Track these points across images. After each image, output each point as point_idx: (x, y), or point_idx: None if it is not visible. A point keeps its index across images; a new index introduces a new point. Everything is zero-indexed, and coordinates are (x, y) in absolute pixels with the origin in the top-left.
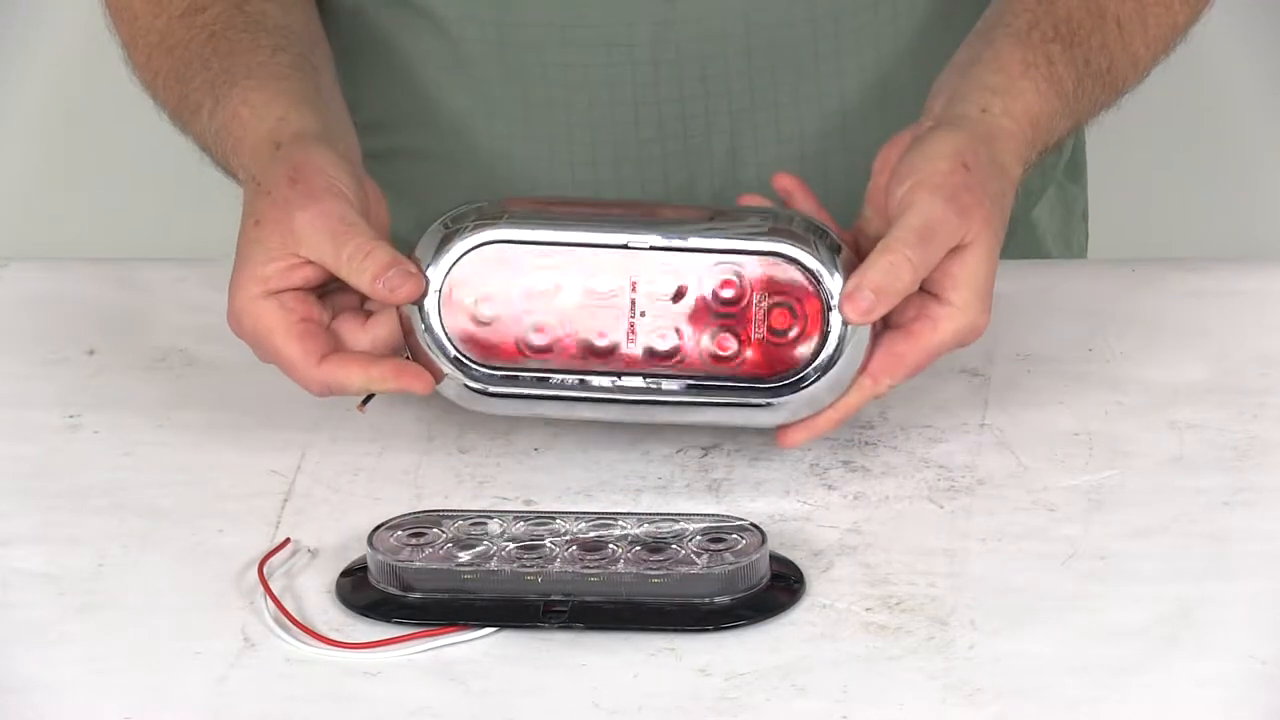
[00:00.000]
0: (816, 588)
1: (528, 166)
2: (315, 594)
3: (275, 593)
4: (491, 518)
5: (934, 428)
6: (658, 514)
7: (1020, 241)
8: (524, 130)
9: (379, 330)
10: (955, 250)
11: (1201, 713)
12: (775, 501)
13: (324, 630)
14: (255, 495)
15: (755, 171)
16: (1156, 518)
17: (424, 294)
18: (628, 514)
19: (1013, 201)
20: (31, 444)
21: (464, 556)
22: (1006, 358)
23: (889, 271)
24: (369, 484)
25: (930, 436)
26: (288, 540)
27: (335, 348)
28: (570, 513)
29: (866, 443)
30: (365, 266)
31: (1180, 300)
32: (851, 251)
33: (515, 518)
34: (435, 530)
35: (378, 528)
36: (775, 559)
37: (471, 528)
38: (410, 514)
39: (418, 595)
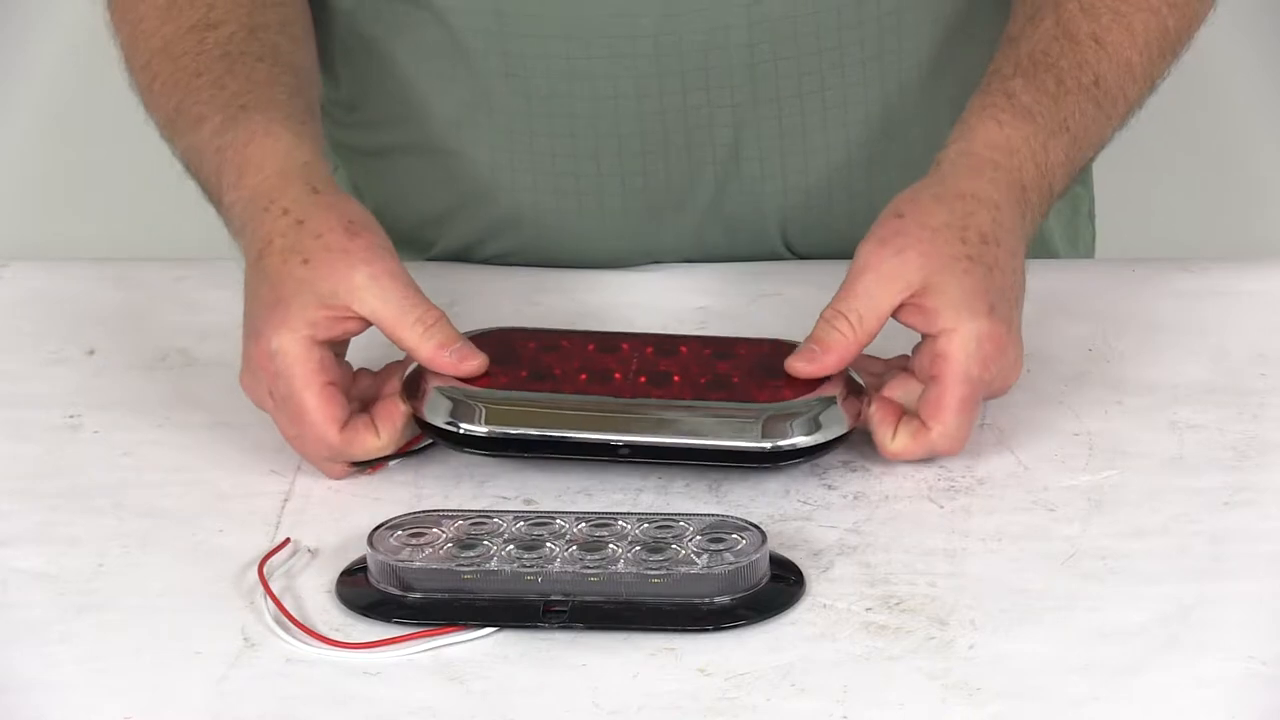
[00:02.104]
0: (816, 588)
1: (529, 162)
2: (315, 594)
3: (275, 593)
4: (491, 517)
5: None
6: (658, 514)
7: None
8: (526, 125)
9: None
10: (920, 290)
11: (1201, 713)
12: (775, 501)
13: (324, 630)
14: (255, 495)
15: (758, 167)
16: (1156, 518)
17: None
18: (628, 514)
19: (1002, 214)
20: (31, 444)
21: (464, 556)
22: None
23: (825, 323)
24: (369, 484)
25: None
26: (288, 540)
27: (351, 414)
28: (570, 513)
29: (867, 443)
30: (430, 335)
31: (1180, 300)
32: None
33: (515, 518)
34: (435, 530)
35: (378, 528)
36: (775, 559)
37: (471, 528)
38: (410, 514)
39: (418, 595)
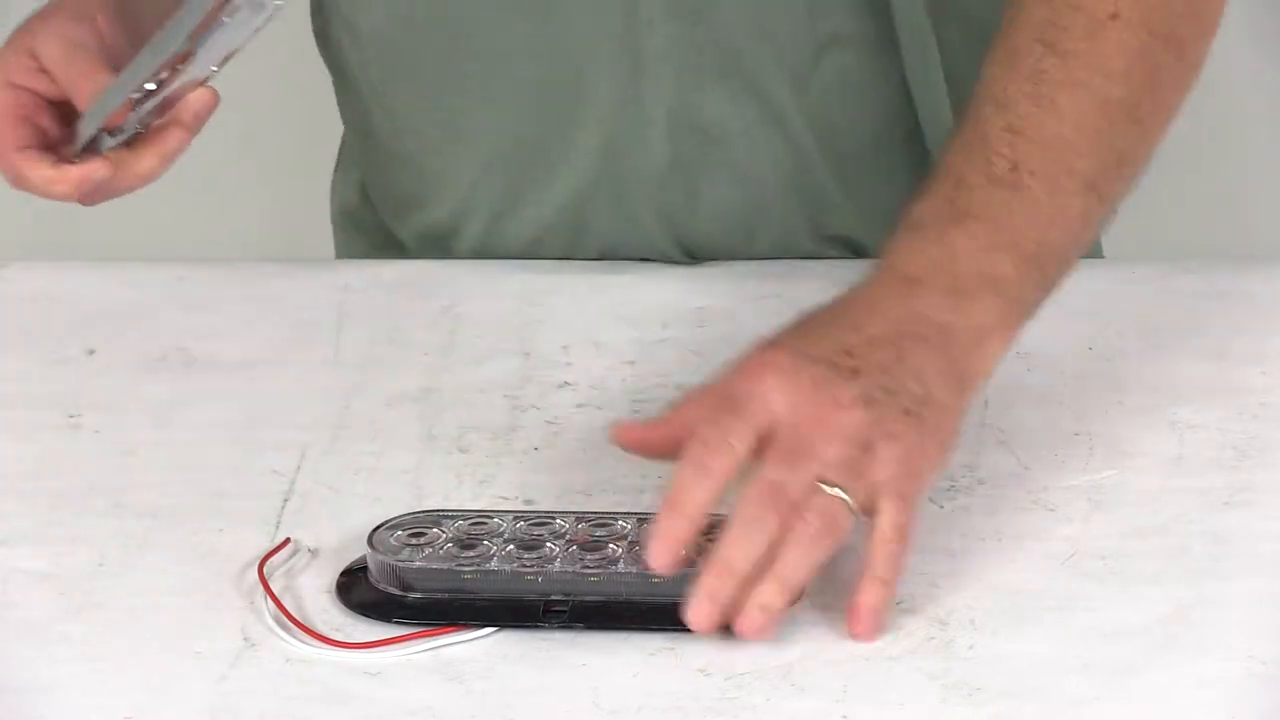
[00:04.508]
0: (816, 587)
1: (462, 173)
2: (315, 594)
3: (275, 593)
4: (491, 517)
5: None
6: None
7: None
8: (452, 146)
9: None
10: None
11: (1201, 713)
12: None
13: (324, 630)
14: (255, 495)
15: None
16: (1156, 518)
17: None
18: (628, 514)
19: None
20: (31, 444)
21: (464, 556)
22: (1006, 357)
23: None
24: (369, 484)
25: None
26: (288, 540)
27: (43, 147)
28: (570, 513)
29: None
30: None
31: (1180, 300)
32: None
33: (515, 518)
34: (435, 530)
35: (378, 528)
36: None
37: (471, 528)
38: (410, 514)
39: (418, 595)
